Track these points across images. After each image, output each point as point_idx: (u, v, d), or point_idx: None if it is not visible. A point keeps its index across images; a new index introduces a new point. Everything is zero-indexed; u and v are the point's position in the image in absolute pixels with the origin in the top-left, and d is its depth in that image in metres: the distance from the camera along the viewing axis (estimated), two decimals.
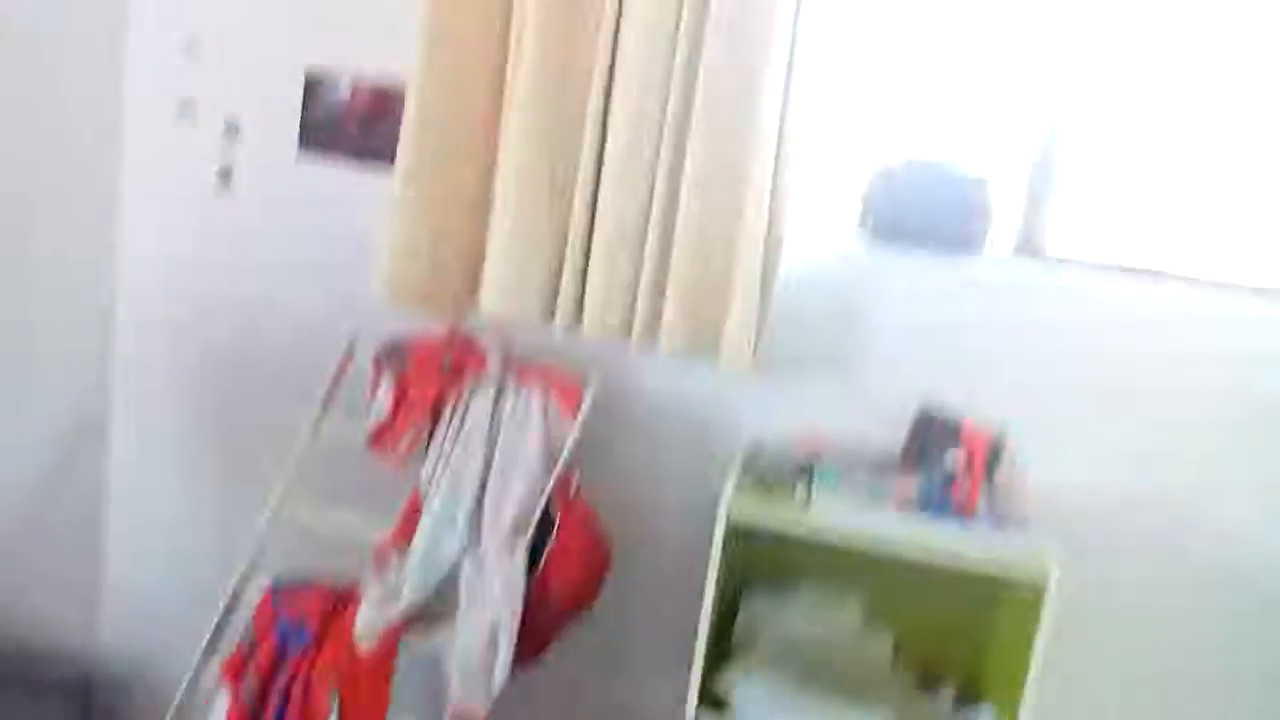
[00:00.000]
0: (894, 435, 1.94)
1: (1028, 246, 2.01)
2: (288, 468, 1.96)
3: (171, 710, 1.88)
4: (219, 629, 1.90)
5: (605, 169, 1.84)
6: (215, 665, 1.86)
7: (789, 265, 1.91)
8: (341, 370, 1.99)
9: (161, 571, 2.33)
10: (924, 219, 1.91)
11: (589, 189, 1.86)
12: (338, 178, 2.10)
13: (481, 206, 1.92)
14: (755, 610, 1.93)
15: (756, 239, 1.79)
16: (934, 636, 1.92)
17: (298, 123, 2.11)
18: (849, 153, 2.06)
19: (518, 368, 1.92)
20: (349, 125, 2.08)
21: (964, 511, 1.68)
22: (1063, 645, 1.59)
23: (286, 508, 1.96)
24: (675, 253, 1.83)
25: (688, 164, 1.81)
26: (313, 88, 2.09)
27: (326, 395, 1.98)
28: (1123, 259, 2.00)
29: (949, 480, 1.71)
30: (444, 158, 1.89)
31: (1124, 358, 1.90)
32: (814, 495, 1.69)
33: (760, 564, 1.92)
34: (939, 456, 1.76)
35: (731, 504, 1.67)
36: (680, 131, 1.81)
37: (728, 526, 1.66)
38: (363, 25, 2.06)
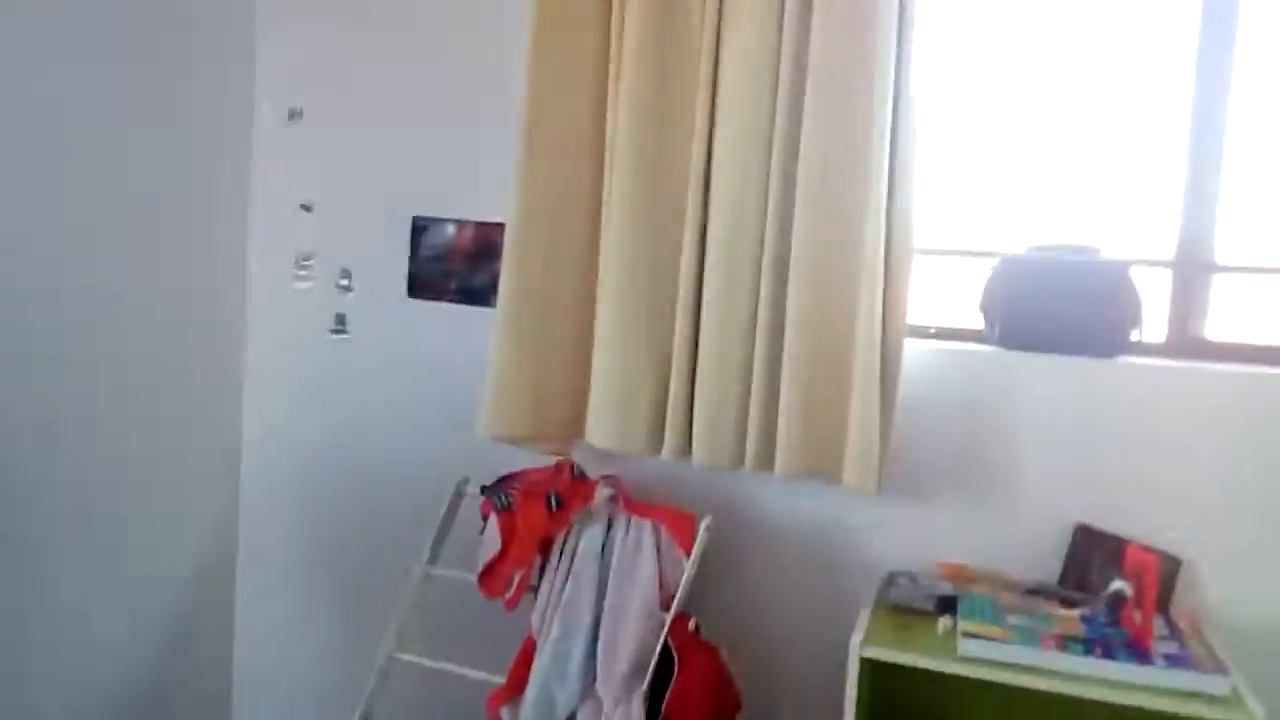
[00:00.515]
0: (1045, 561, 1.74)
1: (1184, 338, 1.81)
2: (399, 611, 1.92)
3: None
4: None
5: (705, 290, 1.78)
6: None
7: (911, 375, 1.78)
8: (451, 510, 1.96)
9: (287, 715, 2.31)
10: (1058, 313, 1.75)
11: (689, 314, 1.79)
12: (446, 316, 2.12)
13: (583, 341, 1.88)
14: None
15: (872, 348, 1.67)
16: None
17: (406, 267, 2.15)
18: (966, 243, 1.93)
19: (629, 502, 1.84)
20: (455, 264, 2.11)
21: (1138, 645, 1.46)
22: None
23: (401, 652, 1.91)
24: (785, 371, 1.73)
25: (791, 276, 1.73)
26: (419, 233, 2.14)
27: (436, 536, 1.95)
28: None
29: (1116, 610, 1.50)
30: (543, 294, 1.87)
31: None
32: (960, 629, 1.50)
33: (909, 704, 1.72)
34: (1102, 583, 1.55)
35: (865, 640, 1.50)
36: (781, 243, 1.74)
37: (864, 665, 1.49)
38: (465, 173, 2.11)
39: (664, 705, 1.68)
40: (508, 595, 1.82)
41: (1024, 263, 1.79)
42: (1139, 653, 1.45)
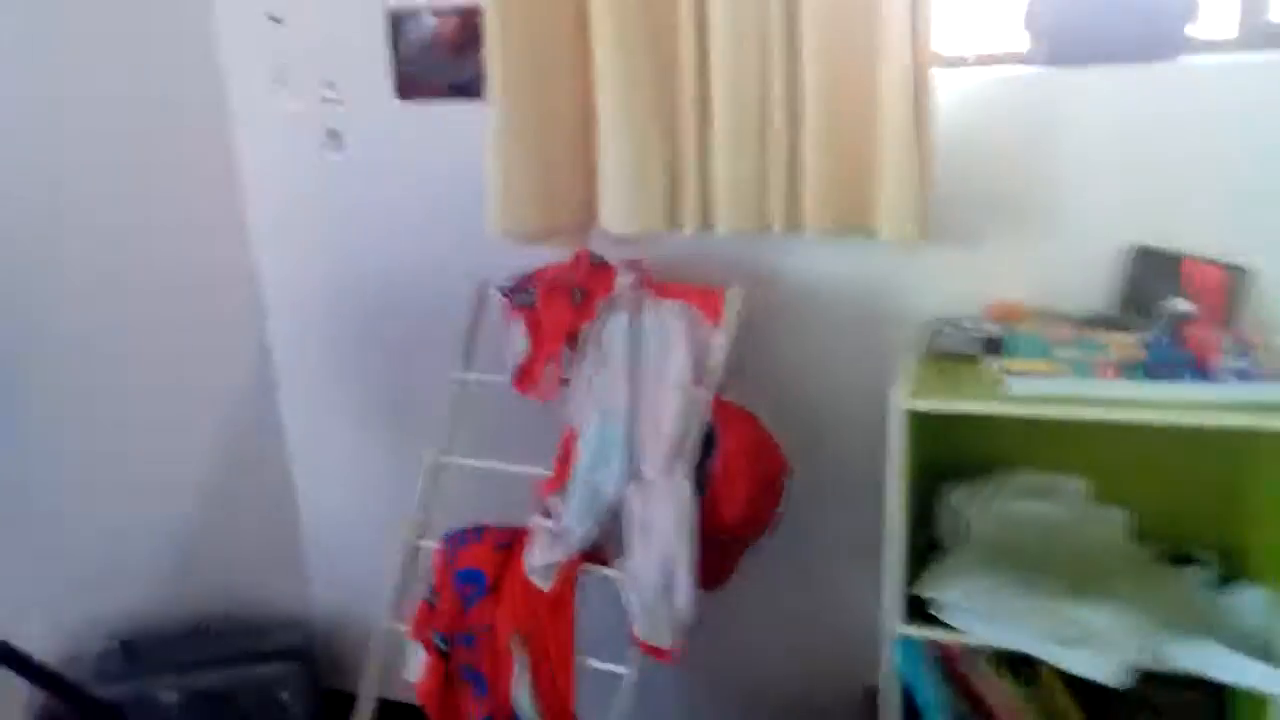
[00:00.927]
0: (1104, 290, 1.64)
1: (1254, 27, 1.61)
2: (442, 420, 1.91)
3: (369, 670, 1.90)
4: (399, 587, 1.89)
5: (711, 41, 1.61)
6: (404, 620, 1.86)
7: (946, 106, 1.62)
8: (476, 315, 1.91)
9: (353, 524, 2.38)
10: (1109, 18, 1.55)
11: (695, 69, 1.63)
12: (440, 116, 1.98)
13: (586, 122, 1.74)
14: (959, 502, 1.69)
15: (901, 81, 1.51)
16: (1177, 509, 1.63)
17: (391, 69, 1.99)
18: None
19: (652, 284, 1.75)
20: (441, 58, 1.95)
21: (1203, 366, 1.38)
22: None
23: (446, 457, 1.91)
24: (807, 120, 1.59)
25: (804, 9, 1.55)
26: (398, 30, 1.97)
27: (465, 342, 1.91)
28: None
29: (1179, 331, 1.40)
30: (535, 77, 1.71)
31: None
32: (1007, 368, 1.43)
33: (962, 450, 1.68)
34: (1162, 303, 1.45)
35: (906, 391, 1.44)
36: None
37: (907, 417, 1.44)
38: None
39: (708, 474, 1.67)
40: (542, 390, 1.79)
41: None
42: (1205, 371, 1.36)
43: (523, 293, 1.78)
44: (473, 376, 1.91)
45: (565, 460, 1.77)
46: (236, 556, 2.29)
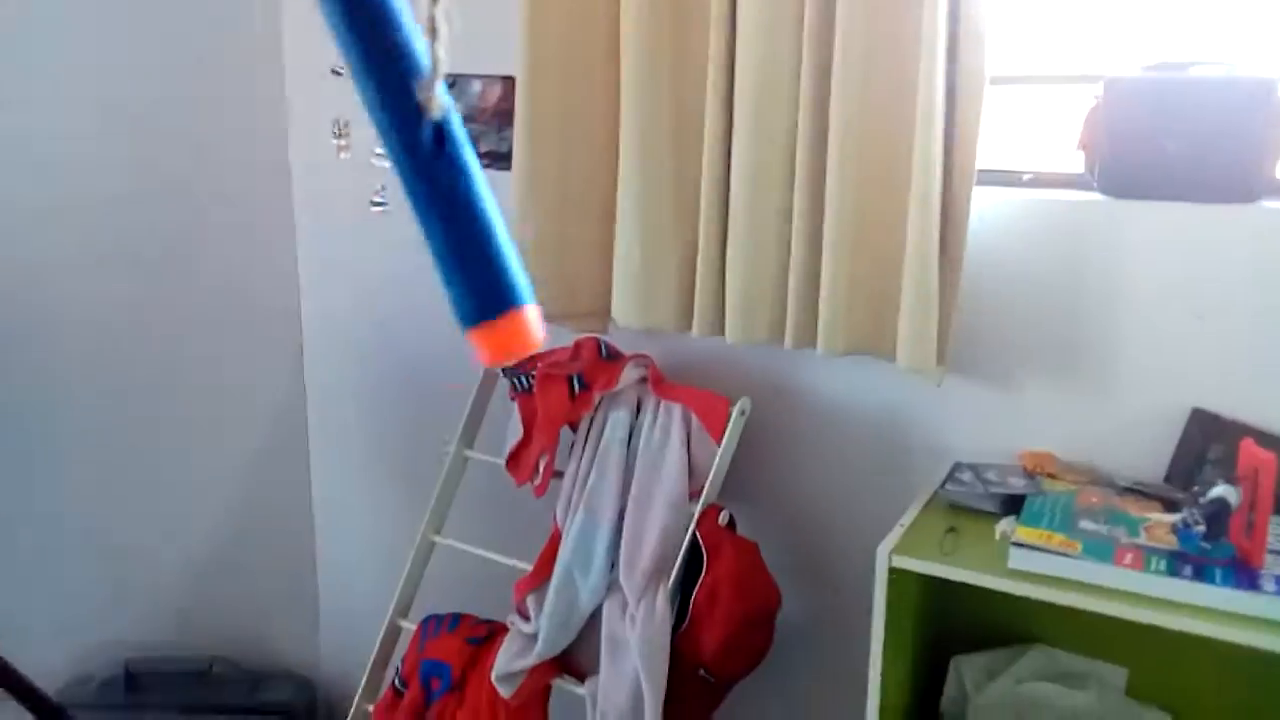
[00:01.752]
0: (1153, 453, 1.44)
1: None
2: (438, 497, 1.85)
3: None
4: (375, 667, 1.83)
5: (735, 145, 1.52)
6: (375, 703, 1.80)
7: (990, 231, 1.48)
8: (483, 392, 1.85)
9: (367, 586, 2.34)
10: (1179, 148, 1.38)
11: (718, 169, 1.54)
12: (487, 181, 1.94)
13: (608, 207, 1.67)
14: (968, 675, 1.52)
15: (929, 201, 1.38)
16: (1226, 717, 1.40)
17: None
18: (1059, 64, 1.56)
19: (658, 384, 1.66)
20: (482, 124, 1.92)
21: (1244, 564, 1.18)
22: None
23: (439, 534, 1.85)
24: (827, 233, 1.47)
25: (831, 119, 1.44)
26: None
27: (468, 419, 1.85)
28: None
29: (1221, 520, 1.20)
30: (561, 156, 1.66)
31: None
32: (1016, 535, 1.26)
33: (982, 615, 1.50)
34: (1218, 480, 1.26)
35: (899, 546, 1.29)
36: (818, 82, 1.45)
37: (897, 575, 1.29)
38: (494, 22, 1.88)
39: (691, 602, 1.54)
40: (536, 482, 1.71)
41: (1135, 85, 1.41)
42: (1243, 574, 1.16)
43: (521, 375, 1.71)
44: (472, 454, 1.85)
45: (548, 559, 1.68)
46: (250, 599, 2.28)
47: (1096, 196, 1.45)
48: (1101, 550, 1.21)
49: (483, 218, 0.44)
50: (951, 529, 1.36)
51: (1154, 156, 1.39)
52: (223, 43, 2.08)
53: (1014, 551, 1.23)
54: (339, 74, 2.09)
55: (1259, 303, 1.37)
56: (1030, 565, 1.22)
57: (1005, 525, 1.32)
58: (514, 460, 1.74)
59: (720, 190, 1.54)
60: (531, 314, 0.46)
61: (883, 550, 1.28)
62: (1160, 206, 1.41)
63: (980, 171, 1.55)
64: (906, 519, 1.38)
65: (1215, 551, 1.19)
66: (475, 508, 1.89)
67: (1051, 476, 1.47)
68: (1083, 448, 1.49)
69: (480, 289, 0.43)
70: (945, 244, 1.43)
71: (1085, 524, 1.29)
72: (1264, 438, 1.36)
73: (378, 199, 2.11)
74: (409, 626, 1.81)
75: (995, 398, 1.55)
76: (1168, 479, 1.42)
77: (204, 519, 2.23)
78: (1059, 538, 1.25)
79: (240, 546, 2.27)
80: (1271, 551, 1.21)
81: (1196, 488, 1.26)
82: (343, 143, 2.14)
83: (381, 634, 1.83)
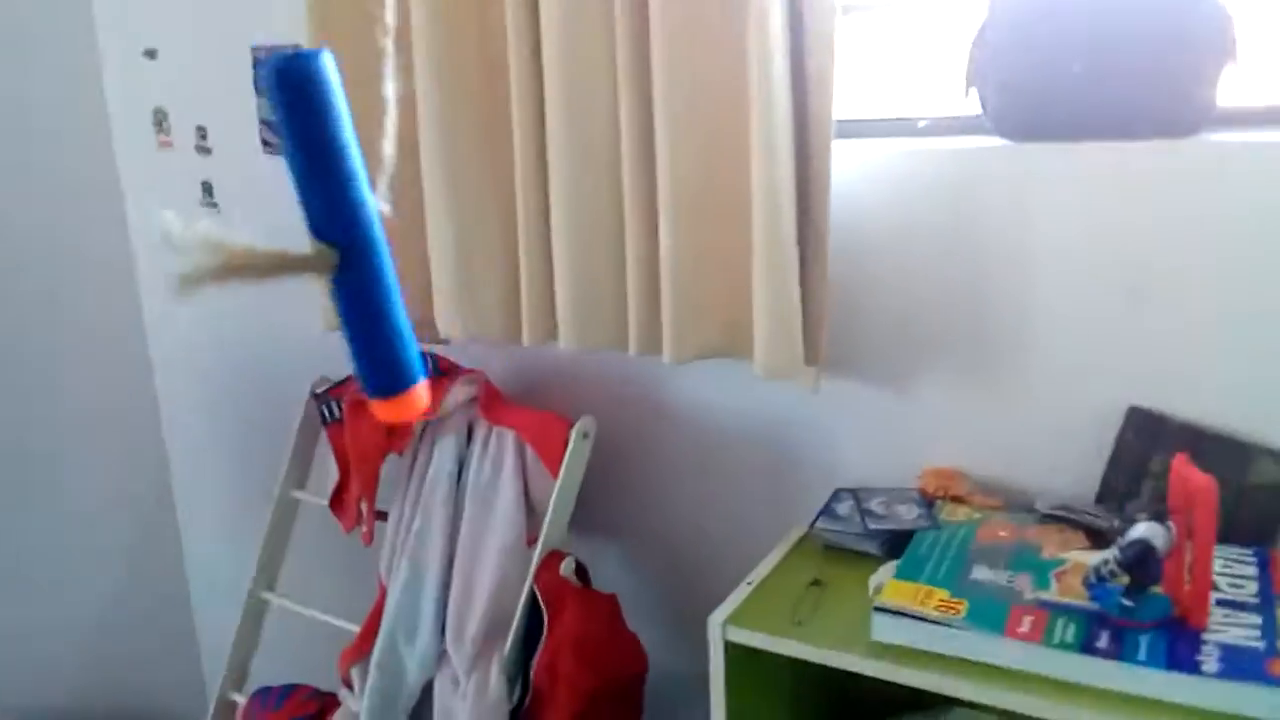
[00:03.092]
0: (1081, 462, 1.13)
1: None
2: (264, 547, 1.58)
3: None
4: None
5: (549, 118, 1.22)
6: None
7: (862, 192, 1.18)
8: (307, 422, 1.57)
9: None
10: (1096, 72, 1.06)
11: (533, 145, 1.25)
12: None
13: (418, 205, 1.37)
14: None
15: (773, 147, 1.08)
16: None
17: (255, 117, 1.70)
18: None
19: (488, 405, 1.37)
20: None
21: (1179, 627, 0.87)
22: None
23: (267, 594, 1.59)
24: (662, 210, 1.17)
25: (655, 74, 1.14)
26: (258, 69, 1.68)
27: (293, 453, 1.57)
28: None
29: (1149, 563, 0.89)
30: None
31: None
32: (884, 596, 0.96)
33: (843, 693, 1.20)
34: (1147, 508, 0.95)
35: (734, 615, 1.00)
36: (636, 41, 1.14)
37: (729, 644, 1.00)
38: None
39: (532, 673, 1.26)
40: (363, 529, 1.43)
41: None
42: (1180, 643, 0.86)
43: (330, 401, 1.44)
44: (303, 497, 1.58)
45: (373, 623, 1.40)
46: (133, 663, 2.03)
47: (994, 141, 1.14)
48: (992, 614, 0.91)
49: (393, 315, 0.49)
50: (816, 582, 1.06)
51: (1059, 84, 1.07)
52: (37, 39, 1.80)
53: (877, 619, 0.93)
54: (150, 55, 1.82)
55: (1208, 265, 1.05)
56: (896, 636, 0.92)
57: (880, 576, 1.02)
58: (336, 502, 1.46)
59: (538, 177, 1.25)
60: (424, 384, 0.54)
61: (715, 621, 0.99)
62: (1072, 149, 1.09)
63: (857, 121, 1.26)
64: (761, 571, 1.09)
65: (1143, 609, 0.89)
66: (311, 558, 1.62)
67: (957, 500, 1.16)
68: (999, 461, 1.19)
69: (387, 372, 0.50)
70: (807, 214, 1.13)
71: (980, 573, 0.98)
72: (1219, 442, 1.05)
73: (207, 200, 1.84)
74: (240, 700, 1.55)
75: (891, 404, 1.24)
76: (1100, 499, 1.11)
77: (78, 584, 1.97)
78: (939, 595, 0.94)
79: (118, 610, 2.01)
80: (1222, 603, 0.90)
81: (1128, 515, 0.95)
82: (165, 137, 1.86)
83: (210, 713, 1.57)
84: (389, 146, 0.51)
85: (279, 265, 0.46)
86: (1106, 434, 1.11)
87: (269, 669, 1.61)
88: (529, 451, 1.31)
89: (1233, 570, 0.96)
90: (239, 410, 1.91)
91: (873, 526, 1.10)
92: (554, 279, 1.27)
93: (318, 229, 0.48)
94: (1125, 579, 0.89)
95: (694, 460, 1.38)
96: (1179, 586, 0.89)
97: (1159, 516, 0.89)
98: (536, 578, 1.28)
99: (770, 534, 1.24)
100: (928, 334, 1.20)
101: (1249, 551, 1.00)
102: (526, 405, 1.40)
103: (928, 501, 1.16)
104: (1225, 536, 1.01)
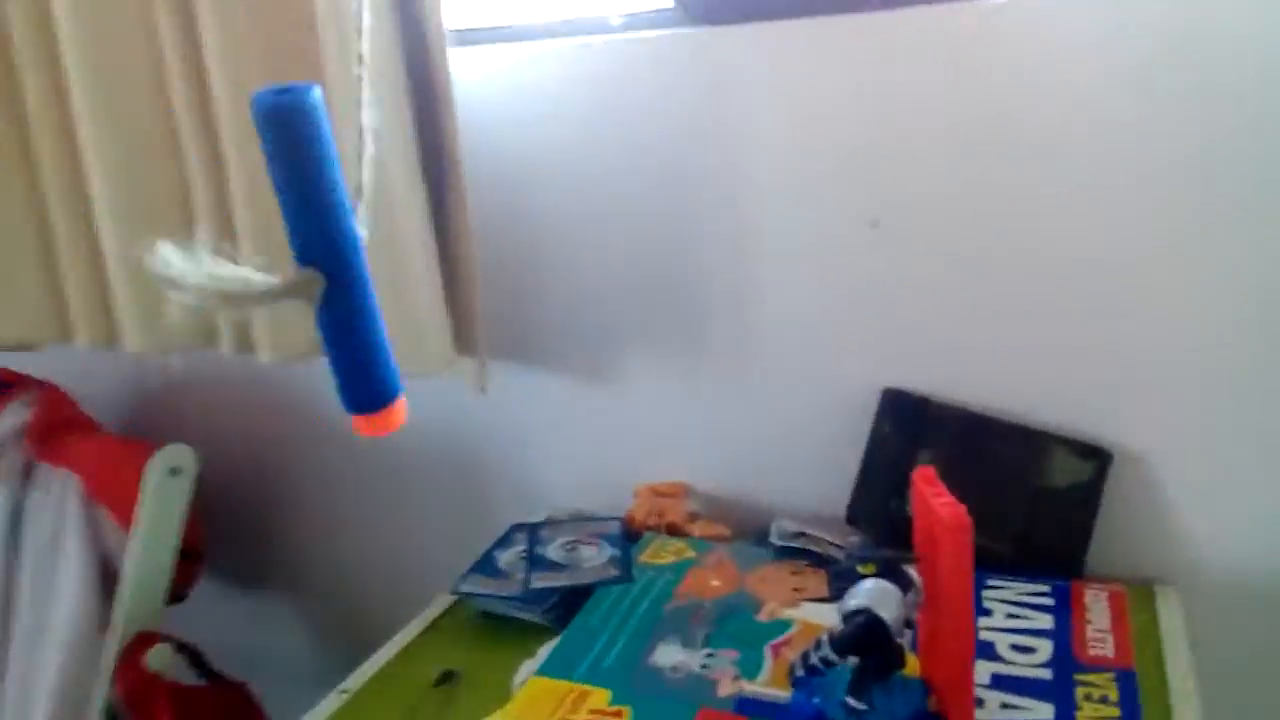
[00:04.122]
0: (838, 474, 0.82)
1: None
2: None
3: None
4: None
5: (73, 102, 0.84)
6: None
7: (503, 114, 0.84)
8: None
9: None
10: None
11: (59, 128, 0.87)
12: None
13: None
14: None
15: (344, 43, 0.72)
16: None
17: None
18: None
19: (46, 436, 0.97)
20: None
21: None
22: None
23: None
24: (233, 179, 0.80)
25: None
26: None
27: None
28: None
29: (881, 639, 0.58)
30: None
31: None
32: (514, 694, 0.63)
33: None
34: (865, 553, 0.63)
35: (335, 714, 0.66)
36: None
37: None
38: None
39: None
40: None
41: None
42: None
43: None
44: None
45: None
46: None
47: (684, 30, 0.81)
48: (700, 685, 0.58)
49: (377, 336, 0.50)
50: (448, 675, 0.72)
51: None
52: None
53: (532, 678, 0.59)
54: None
55: (971, 181, 0.74)
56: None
57: (526, 670, 0.69)
58: None
59: (68, 159, 0.86)
60: (401, 401, 0.53)
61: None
62: (773, 29, 0.77)
63: (518, 26, 0.91)
64: (376, 662, 0.74)
65: (883, 710, 0.57)
66: None
67: (673, 531, 0.84)
68: (730, 469, 0.87)
69: (368, 390, 0.51)
70: (431, 147, 0.78)
71: (665, 654, 0.66)
72: (1003, 432, 0.75)
73: None
74: None
75: (602, 403, 0.91)
76: (852, 517, 0.80)
77: None
78: (595, 700, 0.61)
79: None
80: (1001, 682, 0.60)
81: (849, 560, 0.63)
82: None
83: None
84: (366, 173, 0.48)
85: (271, 292, 0.44)
86: (859, 426, 0.80)
87: None
88: (93, 506, 0.93)
89: (1020, 622, 0.67)
90: None
91: (538, 585, 0.76)
92: (108, 270, 0.89)
93: (304, 256, 0.46)
94: (843, 674, 0.58)
95: (362, 489, 1.03)
96: (934, 666, 0.59)
97: (895, 565, 0.58)
98: (118, 675, 0.90)
99: (446, 581, 0.90)
100: (631, 307, 0.87)
101: (1045, 588, 0.70)
102: (115, 434, 1.01)
103: (631, 536, 0.83)
104: (1015, 563, 0.72)
